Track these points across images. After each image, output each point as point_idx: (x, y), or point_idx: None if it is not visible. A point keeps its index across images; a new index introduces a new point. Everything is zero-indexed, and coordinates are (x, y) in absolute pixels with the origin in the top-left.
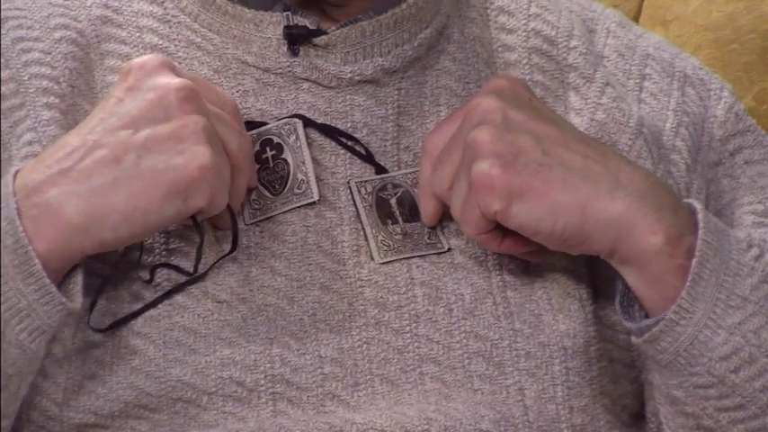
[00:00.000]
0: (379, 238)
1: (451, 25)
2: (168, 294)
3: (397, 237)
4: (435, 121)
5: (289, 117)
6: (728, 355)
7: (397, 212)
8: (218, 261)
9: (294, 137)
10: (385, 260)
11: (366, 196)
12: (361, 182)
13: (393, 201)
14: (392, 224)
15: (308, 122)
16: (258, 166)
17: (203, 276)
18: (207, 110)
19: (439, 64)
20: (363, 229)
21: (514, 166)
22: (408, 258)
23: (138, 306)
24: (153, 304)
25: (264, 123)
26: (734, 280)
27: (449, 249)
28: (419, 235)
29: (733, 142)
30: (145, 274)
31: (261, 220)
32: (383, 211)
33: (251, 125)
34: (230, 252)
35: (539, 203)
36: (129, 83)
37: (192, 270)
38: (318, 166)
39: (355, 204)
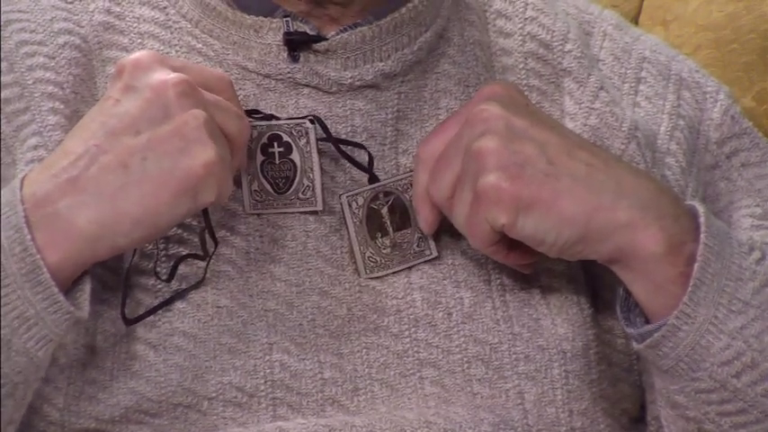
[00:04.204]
0: (367, 254)
1: (451, 28)
2: (195, 286)
3: (385, 250)
4: (435, 125)
5: (302, 118)
6: (730, 359)
7: (389, 222)
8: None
9: (305, 140)
10: (371, 276)
11: (357, 210)
12: (353, 195)
13: (385, 210)
14: (382, 237)
15: (321, 125)
16: (263, 158)
17: (203, 282)
18: (205, 101)
19: (439, 67)
20: (351, 246)
21: (521, 178)
22: (396, 273)
23: (144, 307)
24: (180, 295)
25: (275, 117)
26: (735, 284)
27: (437, 256)
28: (408, 244)
29: (729, 145)
30: (146, 279)
31: (262, 213)
32: (374, 224)
33: (261, 117)
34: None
35: (545, 215)
36: (124, 81)
37: (203, 253)
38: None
39: (345, 221)
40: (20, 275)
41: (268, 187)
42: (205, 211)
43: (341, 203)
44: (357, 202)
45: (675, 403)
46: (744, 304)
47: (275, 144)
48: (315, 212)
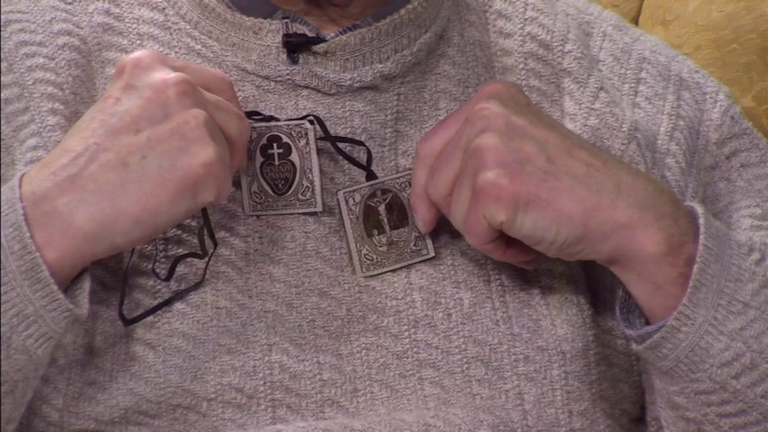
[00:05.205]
0: (363, 252)
1: (451, 28)
2: (194, 287)
3: (381, 248)
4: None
5: (301, 118)
6: (730, 360)
7: (386, 220)
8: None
9: (304, 141)
10: (368, 274)
11: (353, 207)
12: (350, 192)
13: (382, 208)
14: (378, 234)
15: (319, 124)
16: (262, 159)
17: (203, 282)
18: (205, 101)
19: (438, 68)
20: (348, 243)
21: (521, 175)
22: (393, 271)
23: (143, 308)
24: (179, 296)
25: (274, 118)
26: (735, 285)
27: (434, 256)
28: (405, 243)
29: (729, 145)
30: (145, 280)
31: (261, 214)
32: (370, 222)
33: (261, 118)
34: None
35: (544, 213)
36: (124, 80)
37: (201, 252)
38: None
39: (342, 217)
40: (19, 273)
41: (267, 189)
42: (204, 211)
43: (337, 199)
44: (354, 199)
45: (675, 404)
46: (743, 305)
47: (274, 145)
48: (314, 213)
